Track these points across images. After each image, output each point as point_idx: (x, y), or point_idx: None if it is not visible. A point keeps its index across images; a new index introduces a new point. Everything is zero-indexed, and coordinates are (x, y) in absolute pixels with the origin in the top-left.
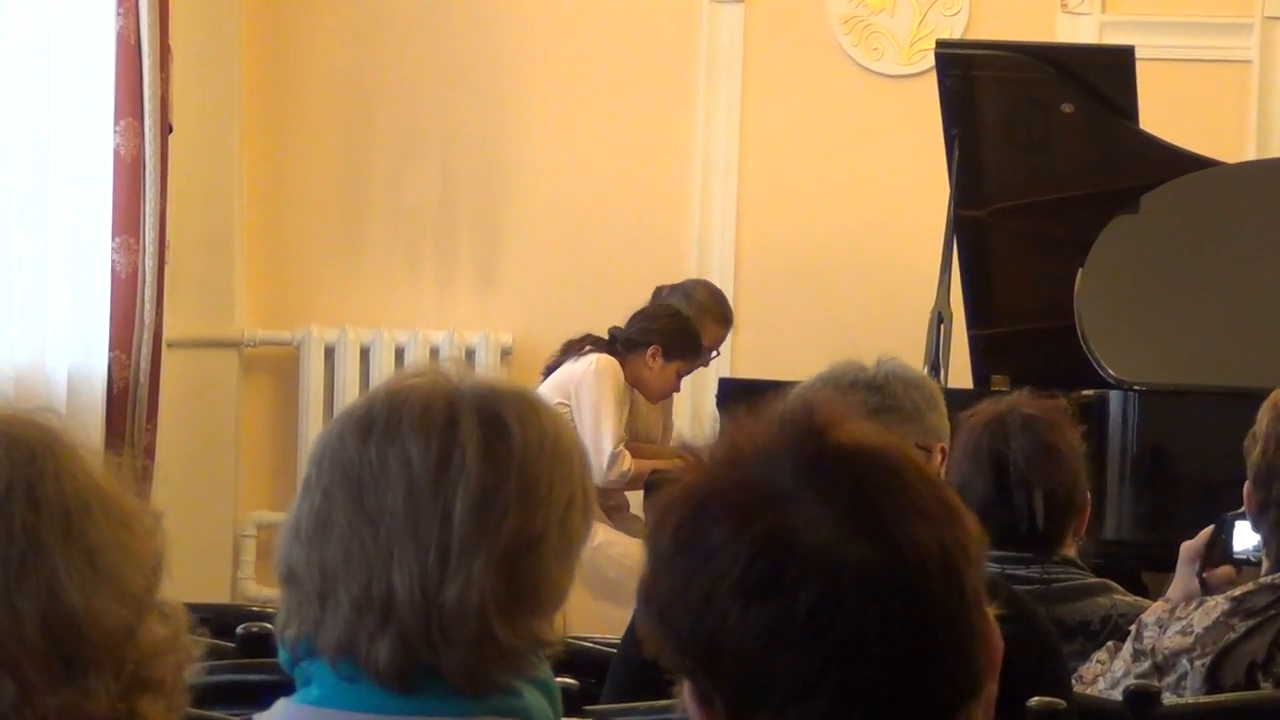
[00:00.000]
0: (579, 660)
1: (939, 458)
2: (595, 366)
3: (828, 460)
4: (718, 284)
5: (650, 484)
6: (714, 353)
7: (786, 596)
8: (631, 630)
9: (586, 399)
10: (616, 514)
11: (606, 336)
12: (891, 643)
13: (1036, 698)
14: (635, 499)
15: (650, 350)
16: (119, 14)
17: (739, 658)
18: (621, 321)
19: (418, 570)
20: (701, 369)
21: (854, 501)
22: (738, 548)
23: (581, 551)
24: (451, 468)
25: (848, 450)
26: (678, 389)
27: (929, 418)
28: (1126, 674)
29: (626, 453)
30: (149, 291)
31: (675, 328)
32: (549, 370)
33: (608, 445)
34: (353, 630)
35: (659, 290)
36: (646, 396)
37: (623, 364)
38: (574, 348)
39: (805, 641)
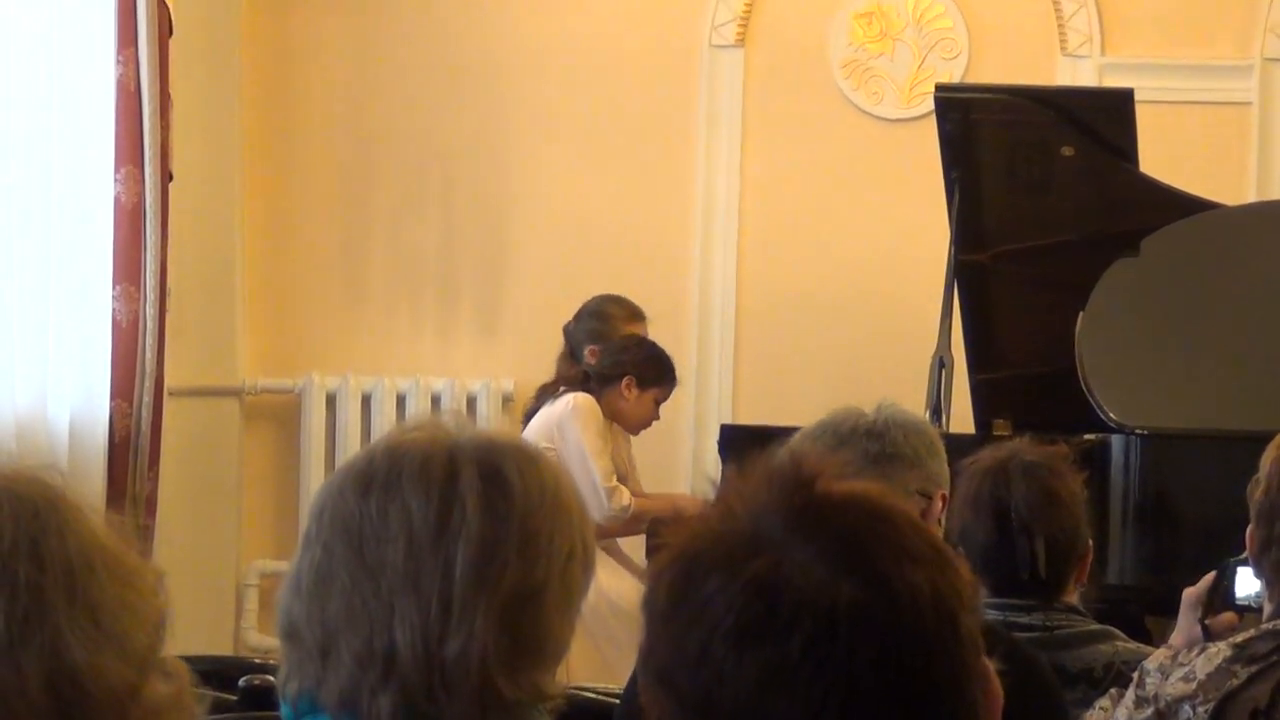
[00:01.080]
0: (581, 712)
1: (940, 504)
2: (573, 405)
3: (817, 509)
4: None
5: (651, 536)
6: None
7: (780, 639)
8: (633, 684)
9: (570, 438)
10: (612, 552)
11: (580, 374)
12: (888, 683)
13: None
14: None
15: (625, 381)
16: (119, 62)
17: (737, 707)
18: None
19: (419, 624)
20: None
21: (845, 546)
22: (730, 595)
23: (582, 603)
24: (452, 521)
25: (837, 499)
26: (657, 417)
27: (930, 464)
28: None
29: (623, 488)
30: (150, 339)
31: (646, 355)
32: (528, 416)
33: (601, 480)
34: (355, 685)
35: (568, 326)
36: (627, 428)
37: (599, 399)
38: (549, 390)
39: (801, 684)
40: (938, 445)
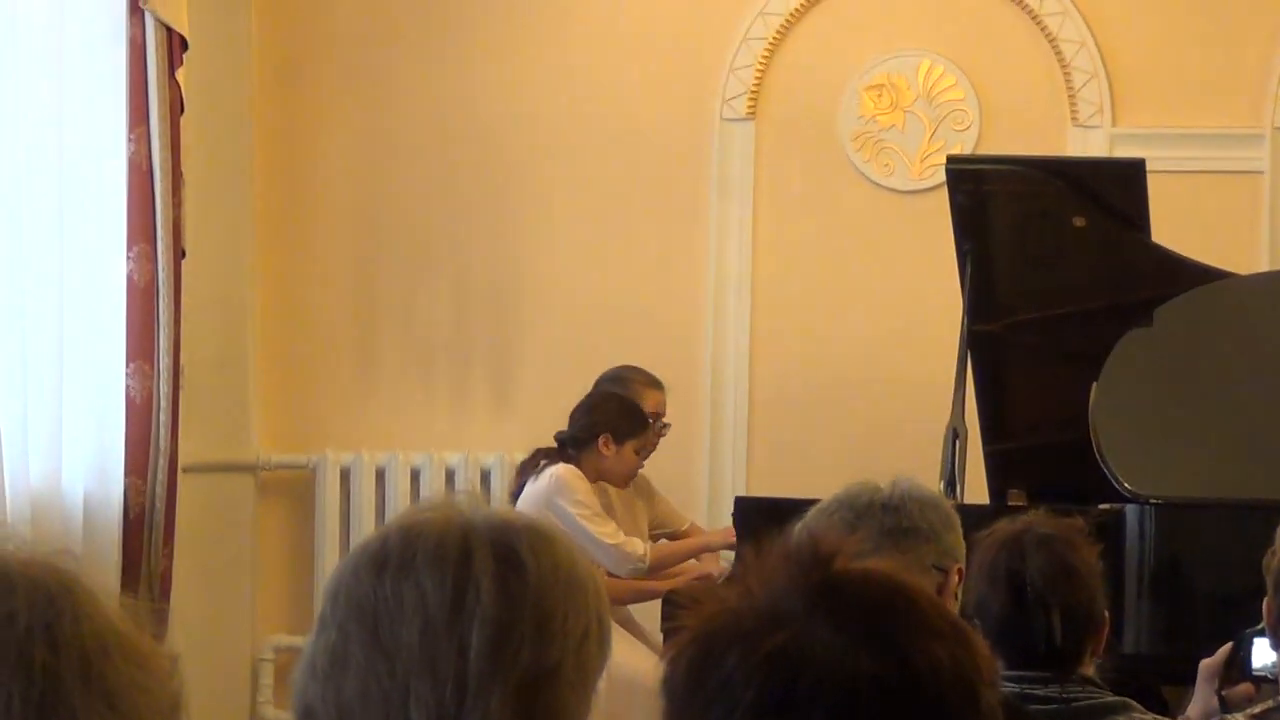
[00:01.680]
0: None
1: (956, 578)
2: (556, 477)
3: (836, 586)
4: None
5: (667, 619)
6: (663, 422)
7: (801, 714)
8: None
9: (563, 511)
10: (628, 625)
11: (554, 444)
12: None
13: None
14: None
15: (601, 440)
16: (131, 140)
17: None
18: None
19: (435, 705)
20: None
21: (864, 620)
22: (750, 670)
23: (599, 682)
24: (466, 602)
25: (855, 576)
26: (641, 465)
27: (945, 538)
28: None
29: (635, 539)
30: (164, 416)
31: (615, 408)
32: (514, 496)
33: (608, 540)
34: None
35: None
36: (614, 483)
37: (580, 463)
38: (529, 467)
39: None
40: (953, 519)
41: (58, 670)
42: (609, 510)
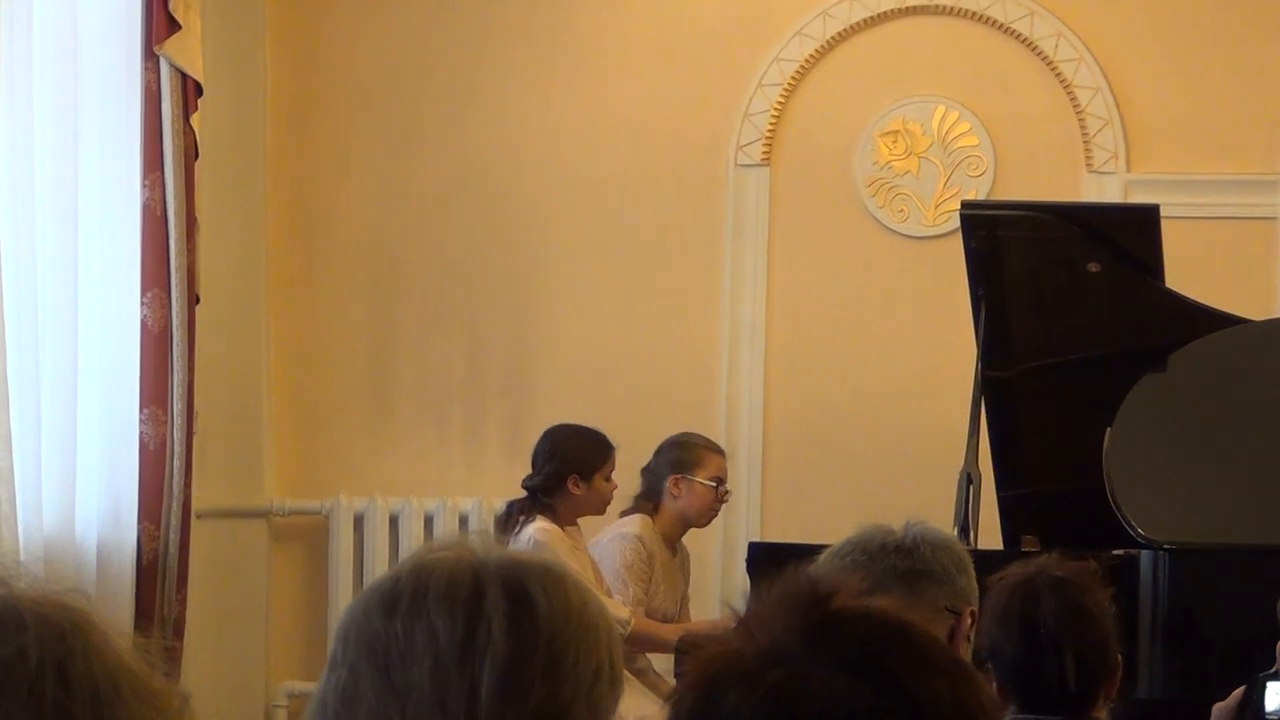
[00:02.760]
0: None
1: (969, 621)
2: (536, 540)
3: (835, 623)
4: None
5: (679, 665)
6: (725, 488)
7: None
8: None
9: None
10: (643, 676)
11: (525, 494)
12: None
13: None
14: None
15: (569, 482)
16: (145, 186)
17: None
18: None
19: None
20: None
21: (863, 656)
22: (750, 709)
23: None
24: (477, 642)
25: (854, 613)
26: (615, 488)
27: (959, 581)
28: None
29: (619, 603)
30: (178, 462)
31: (574, 447)
32: None
33: None
34: None
35: (647, 467)
36: (594, 514)
37: (556, 510)
38: (509, 526)
39: None
40: (966, 562)
41: (69, 708)
42: (651, 565)
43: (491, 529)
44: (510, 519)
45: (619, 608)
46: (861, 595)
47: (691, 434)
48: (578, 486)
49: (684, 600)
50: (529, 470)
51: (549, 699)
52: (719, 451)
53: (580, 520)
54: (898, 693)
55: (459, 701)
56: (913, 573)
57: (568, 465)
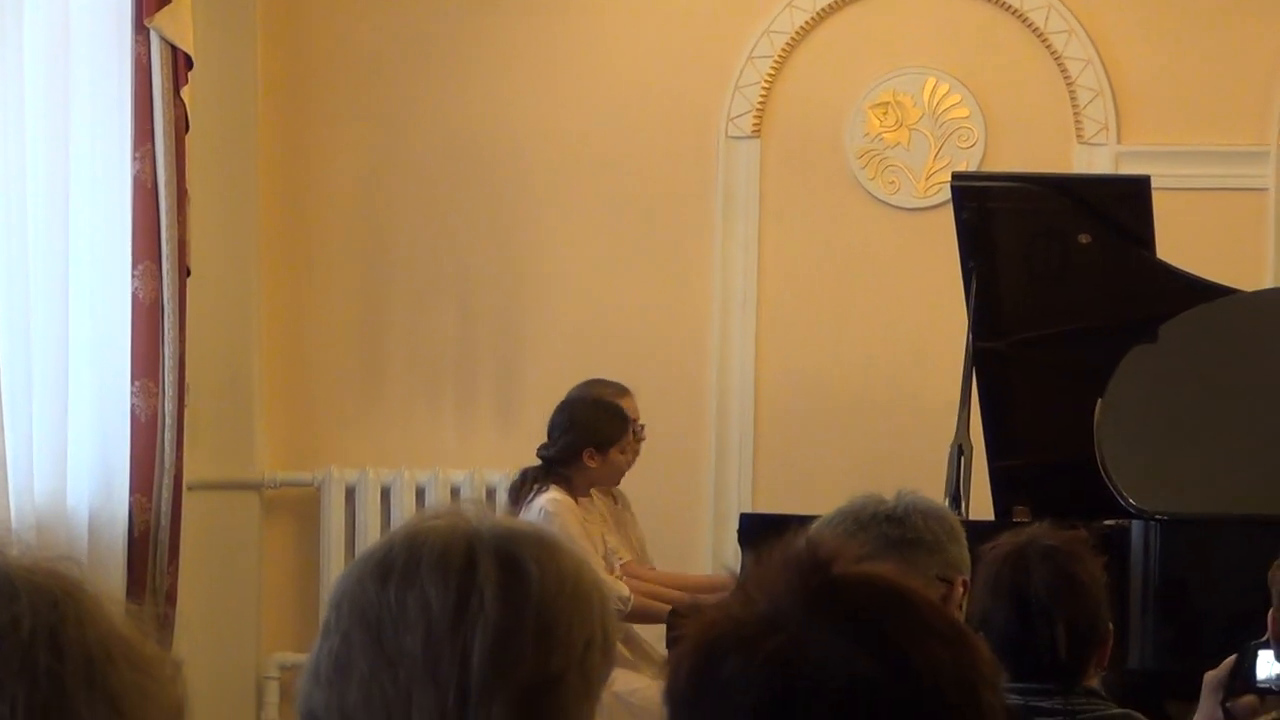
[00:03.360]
0: None
1: (960, 590)
2: (546, 510)
3: (834, 590)
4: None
5: (672, 629)
6: (640, 424)
7: (801, 715)
8: None
9: None
10: (632, 644)
11: (540, 462)
12: None
13: None
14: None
15: (585, 454)
16: (135, 158)
17: None
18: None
19: (436, 713)
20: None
21: (862, 623)
22: (749, 674)
23: (602, 692)
24: (469, 610)
25: (854, 580)
26: (631, 462)
27: (950, 550)
28: None
29: (618, 581)
30: (169, 434)
31: (591, 419)
32: None
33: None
34: None
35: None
36: (611, 485)
37: (570, 481)
38: (522, 494)
39: None
40: (958, 531)
41: (62, 675)
42: (598, 520)
43: (484, 498)
44: (524, 486)
45: (619, 585)
46: (861, 561)
47: (602, 399)
48: (593, 459)
49: (640, 543)
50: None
51: (540, 668)
52: (631, 418)
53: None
54: (897, 658)
55: (451, 669)
56: (904, 542)
57: (584, 438)
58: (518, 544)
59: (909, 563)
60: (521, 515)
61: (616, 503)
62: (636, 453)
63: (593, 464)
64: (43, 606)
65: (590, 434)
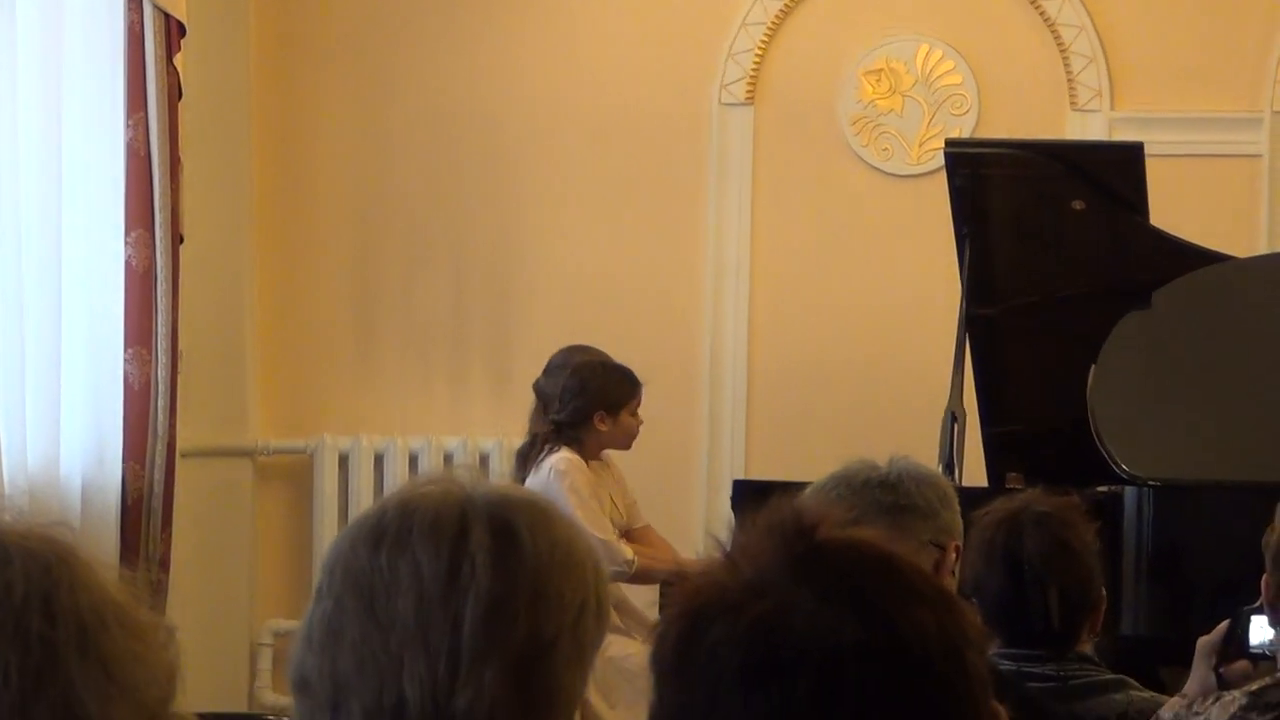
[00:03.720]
0: None
1: (953, 555)
2: (555, 471)
3: (820, 555)
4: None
5: (663, 596)
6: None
7: (786, 681)
8: None
9: (565, 502)
10: (624, 611)
11: (551, 427)
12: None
13: None
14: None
15: (596, 417)
16: (128, 126)
17: None
18: None
19: (428, 679)
20: None
21: (848, 587)
22: (734, 640)
23: (595, 658)
24: (461, 576)
25: (839, 545)
26: (640, 423)
27: (943, 515)
28: None
29: (625, 544)
30: (162, 402)
31: (600, 383)
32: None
33: (597, 534)
34: None
35: (538, 382)
36: (620, 449)
37: (580, 443)
38: (531, 458)
39: None
40: (950, 496)
41: (54, 641)
42: (609, 482)
43: (477, 465)
44: (534, 449)
45: (623, 547)
46: (846, 526)
47: (611, 363)
48: (604, 422)
49: (632, 507)
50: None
51: (532, 634)
52: (638, 381)
53: None
54: (883, 623)
55: (442, 635)
56: (896, 507)
57: (595, 401)
58: (511, 510)
59: (902, 528)
60: (531, 476)
61: (609, 467)
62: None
63: (604, 427)
64: (36, 572)
65: (600, 398)
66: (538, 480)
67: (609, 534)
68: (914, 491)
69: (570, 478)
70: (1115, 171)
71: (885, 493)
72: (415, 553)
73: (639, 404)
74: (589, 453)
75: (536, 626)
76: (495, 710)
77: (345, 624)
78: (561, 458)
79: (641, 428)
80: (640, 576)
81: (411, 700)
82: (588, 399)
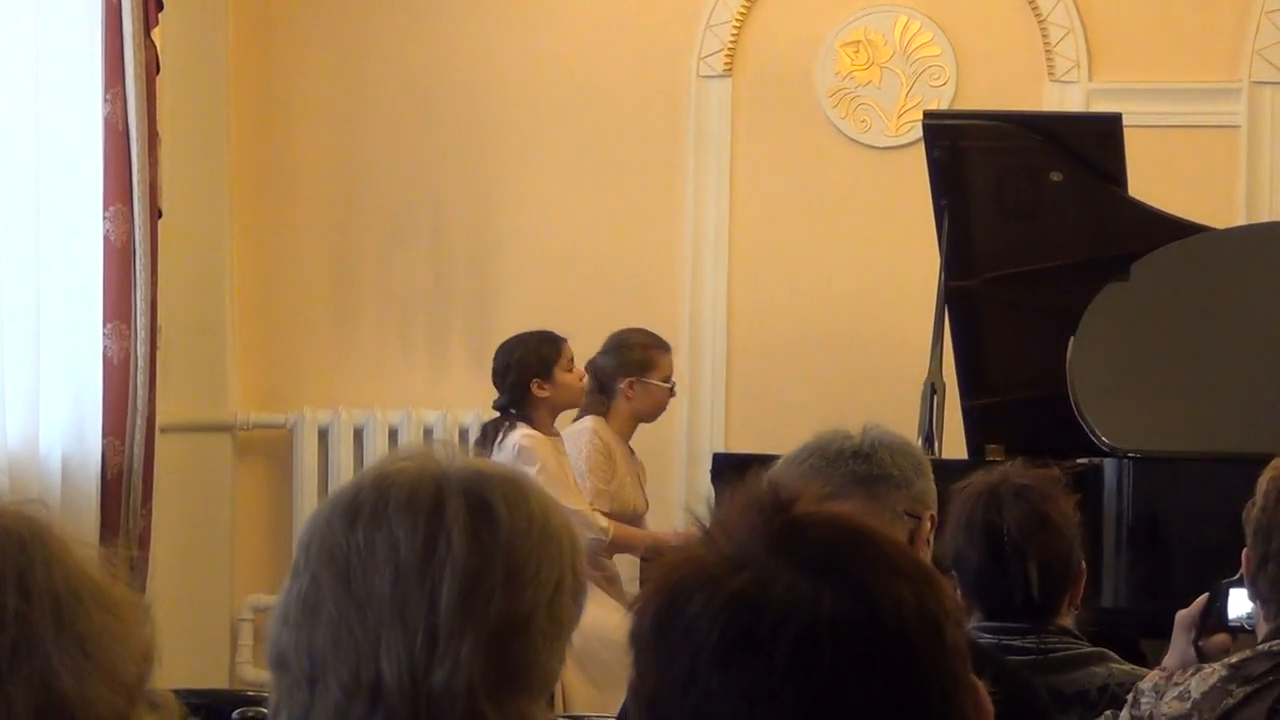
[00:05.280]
0: None
1: (929, 525)
2: (521, 446)
3: (797, 529)
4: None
5: (644, 572)
6: (673, 382)
7: (765, 654)
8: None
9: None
10: (613, 586)
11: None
12: (875, 695)
13: None
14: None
15: (534, 385)
16: (106, 100)
17: None
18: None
19: (405, 654)
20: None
21: (826, 560)
22: (713, 613)
23: (572, 633)
24: (437, 551)
25: (817, 519)
26: (582, 375)
27: (917, 484)
28: None
29: (598, 513)
30: (141, 377)
31: (521, 354)
32: None
33: (570, 505)
34: (342, 715)
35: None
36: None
37: (532, 419)
38: (489, 437)
39: (788, 698)
40: (925, 465)
41: (30, 617)
42: (611, 460)
43: (456, 439)
44: (487, 436)
45: (598, 517)
46: (823, 500)
47: (639, 332)
48: (542, 388)
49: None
50: (491, 382)
51: (509, 609)
52: (668, 350)
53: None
54: (861, 596)
55: (419, 611)
56: (871, 478)
57: (525, 372)
58: (487, 485)
59: (876, 499)
60: (494, 456)
61: (633, 454)
62: (663, 408)
63: (544, 392)
64: (11, 549)
65: (529, 366)
66: (502, 460)
67: (582, 504)
68: (888, 461)
69: (535, 453)
70: (1093, 143)
71: (859, 463)
72: (391, 528)
73: (571, 359)
74: (542, 425)
75: (513, 601)
76: (472, 685)
77: (321, 600)
78: (524, 434)
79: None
80: (617, 546)
81: (388, 676)
82: (517, 374)
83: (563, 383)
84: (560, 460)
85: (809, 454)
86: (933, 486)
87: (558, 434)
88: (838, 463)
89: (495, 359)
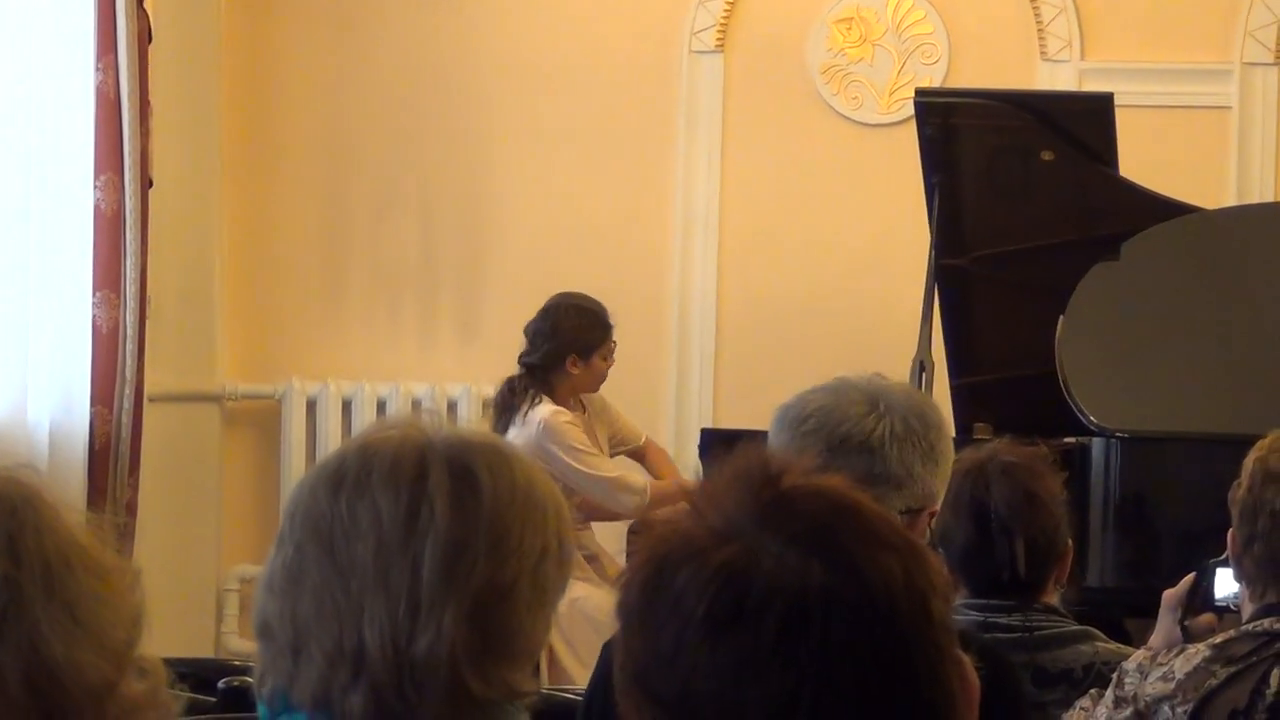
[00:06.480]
0: (558, 711)
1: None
2: (545, 425)
3: (786, 501)
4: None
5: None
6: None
7: (751, 624)
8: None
9: (560, 458)
10: (595, 563)
11: (522, 370)
12: (862, 667)
13: None
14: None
15: (569, 361)
16: (98, 69)
17: (715, 698)
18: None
19: (388, 623)
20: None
21: (814, 532)
22: (700, 585)
23: (558, 601)
24: (420, 520)
25: (805, 491)
26: (610, 366)
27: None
28: None
29: (633, 474)
30: (130, 346)
31: (572, 327)
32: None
33: (607, 474)
34: (326, 683)
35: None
36: (590, 392)
37: (553, 388)
38: (512, 403)
39: (775, 670)
40: (938, 448)
41: (19, 581)
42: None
43: (445, 411)
44: (513, 396)
45: (634, 478)
46: (812, 473)
47: (585, 305)
48: (575, 366)
49: (624, 429)
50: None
51: (492, 578)
52: (610, 324)
53: None
54: (849, 568)
55: (402, 579)
56: (871, 476)
57: (567, 344)
58: (470, 454)
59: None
60: (515, 429)
61: (585, 411)
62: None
63: (575, 370)
64: (1, 514)
65: (573, 341)
66: (524, 434)
67: (615, 471)
68: (894, 459)
69: (558, 430)
70: (1085, 122)
71: (862, 457)
72: (374, 497)
73: (612, 349)
74: (560, 398)
75: (496, 570)
76: (455, 653)
77: (306, 569)
78: (553, 410)
79: (610, 373)
80: (656, 501)
81: (371, 644)
82: (560, 342)
83: (594, 369)
84: (591, 430)
85: (814, 428)
86: (945, 470)
87: (577, 407)
88: (839, 453)
89: (543, 317)
